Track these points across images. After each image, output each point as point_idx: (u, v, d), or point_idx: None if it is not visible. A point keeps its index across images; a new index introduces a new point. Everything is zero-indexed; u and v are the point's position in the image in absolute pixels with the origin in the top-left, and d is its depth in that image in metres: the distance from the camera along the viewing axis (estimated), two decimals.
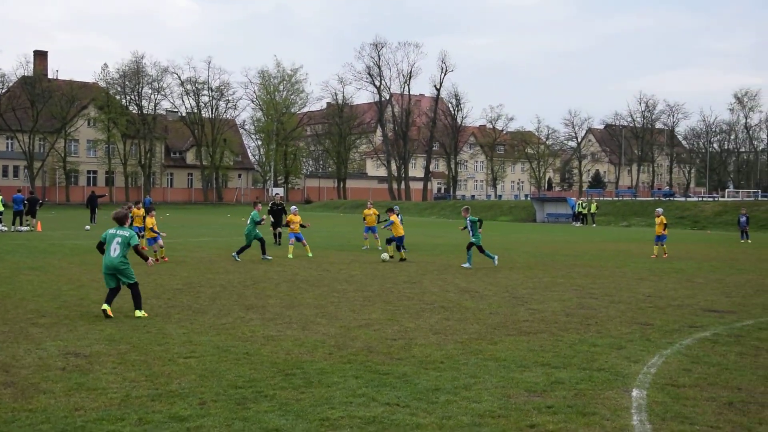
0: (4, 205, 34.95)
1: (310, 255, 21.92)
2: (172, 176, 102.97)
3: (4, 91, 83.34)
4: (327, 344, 9.29)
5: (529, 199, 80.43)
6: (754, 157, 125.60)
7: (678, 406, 6.69)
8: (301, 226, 22.55)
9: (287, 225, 23.17)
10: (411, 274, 17.70)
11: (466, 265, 19.54)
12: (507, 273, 18.26)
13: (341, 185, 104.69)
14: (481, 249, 19.82)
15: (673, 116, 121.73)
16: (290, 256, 21.54)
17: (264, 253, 21.10)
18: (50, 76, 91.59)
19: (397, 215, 22.28)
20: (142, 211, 22.12)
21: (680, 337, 9.99)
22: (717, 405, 6.72)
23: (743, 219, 34.31)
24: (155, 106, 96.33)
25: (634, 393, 7.12)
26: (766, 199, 71.75)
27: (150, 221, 20.59)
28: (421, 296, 13.92)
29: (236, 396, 6.88)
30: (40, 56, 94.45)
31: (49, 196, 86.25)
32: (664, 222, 23.76)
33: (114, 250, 11.25)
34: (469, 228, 20.12)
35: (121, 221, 11.56)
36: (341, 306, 12.54)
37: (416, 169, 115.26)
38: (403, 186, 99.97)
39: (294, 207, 24.06)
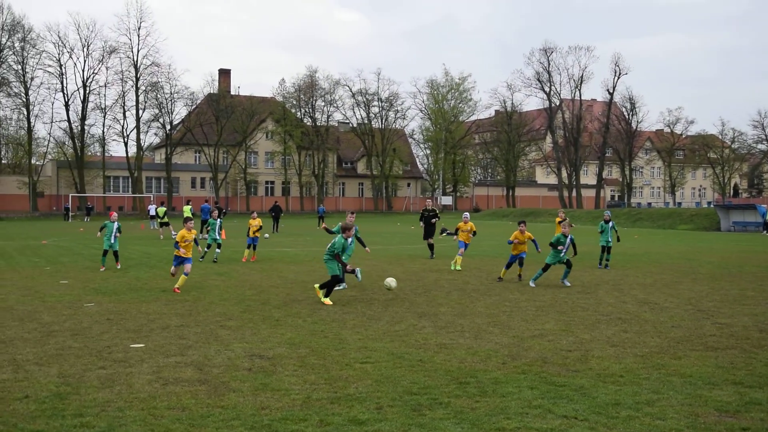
0: (192, 215, 37.67)
1: (248, 261, 22.42)
2: (343, 185, 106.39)
3: (193, 108, 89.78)
4: (500, 354, 9.20)
5: (712, 206, 75.69)
6: None
7: None
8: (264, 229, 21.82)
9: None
10: (585, 284, 17.17)
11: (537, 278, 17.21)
12: (690, 285, 17.26)
13: (510, 193, 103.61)
14: (547, 268, 17.21)
15: None
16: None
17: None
18: (233, 92, 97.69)
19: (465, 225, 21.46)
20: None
21: None
22: None
23: None
24: (328, 118, 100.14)
25: None
26: None
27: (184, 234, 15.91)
28: (597, 307, 13.46)
29: (411, 402, 6.97)
30: (224, 74, 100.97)
31: (232, 206, 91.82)
32: None
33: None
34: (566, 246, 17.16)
35: (344, 230, 14.50)
36: (513, 315, 12.38)
37: (588, 176, 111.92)
38: (574, 194, 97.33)
39: (254, 212, 24.23)
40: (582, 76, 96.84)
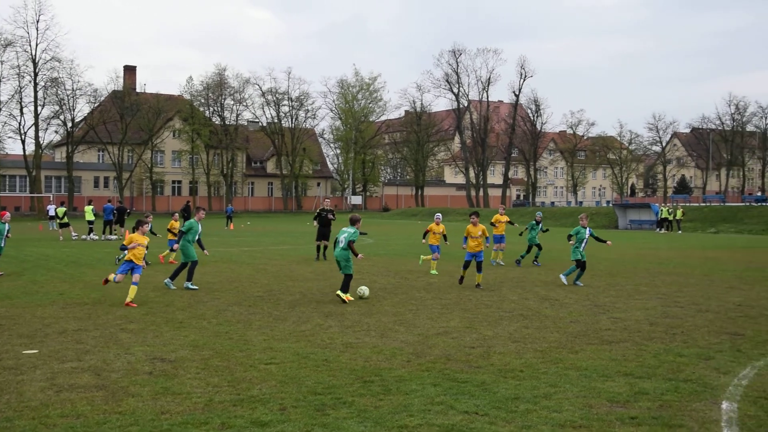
0: (95, 215, 36.45)
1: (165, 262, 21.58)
2: (252, 185, 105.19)
3: (96, 105, 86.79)
4: (405, 352, 9.30)
5: (611, 205, 78.59)
6: None
7: None
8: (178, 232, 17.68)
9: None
10: (489, 282, 17.55)
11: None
12: (588, 281, 17.88)
13: (419, 193, 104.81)
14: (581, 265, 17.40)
15: (766, 118, 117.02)
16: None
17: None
18: (138, 89, 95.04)
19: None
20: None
21: None
22: None
23: None
24: (237, 116, 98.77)
25: (724, 405, 6.86)
26: None
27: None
28: (500, 304, 13.78)
29: (316, 402, 6.96)
30: (130, 71, 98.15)
31: (137, 206, 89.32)
32: None
33: (341, 243, 14.05)
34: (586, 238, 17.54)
35: (354, 222, 14.39)
36: (419, 314, 12.53)
37: (495, 176, 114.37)
38: (481, 193, 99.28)
39: (176, 214, 23.30)
40: (489, 78, 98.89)
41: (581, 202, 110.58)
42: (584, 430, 6.17)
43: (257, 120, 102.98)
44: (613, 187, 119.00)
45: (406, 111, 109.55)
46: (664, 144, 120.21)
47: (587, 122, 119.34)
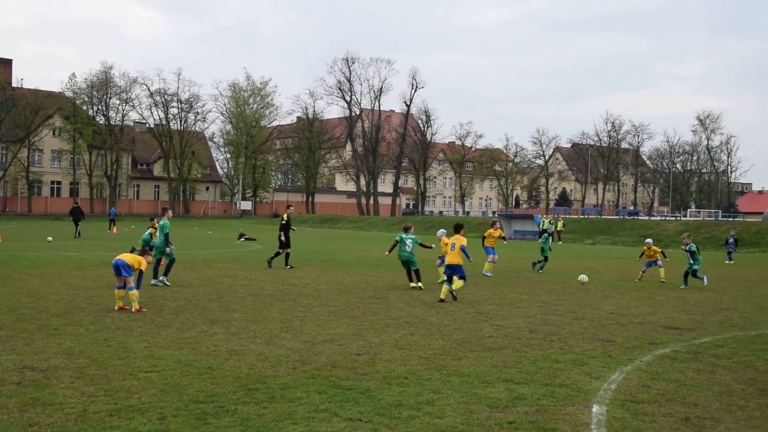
0: None
1: None
2: (138, 188, 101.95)
3: None
4: (291, 359, 9.25)
5: (496, 215, 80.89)
6: (715, 177, 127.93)
7: (636, 421, 6.77)
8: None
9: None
10: (377, 289, 17.70)
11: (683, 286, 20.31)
12: (473, 289, 18.33)
13: (310, 199, 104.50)
14: (694, 273, 20.68)
15: (638, 136, 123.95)
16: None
17: (156, 276, 17.37)
18: (15, 84, 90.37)
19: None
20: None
21: (641, 354, 10.12)
22: (674, 420, 6.82)
23: (731, 240, 34.98)
24: (123, 117, 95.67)
25: (594, 409, 7.19)
26: (726, 219, 72.98)
27: None
28: (387, 311, 13.92)
29: (197, 411, 6.82)
30: (5, 64, 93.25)
31: (11, 207, 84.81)
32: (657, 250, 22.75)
33: (408, 247, 18.18)
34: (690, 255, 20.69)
35: (407, 229, 18.76)
36: (306, 321, 12.49)
37: (385, 185, 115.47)
38: (371, 201, 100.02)
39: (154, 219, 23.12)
40: (382, 88, 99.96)
41: (468, 212, 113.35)
42: None
43: (144, 121, 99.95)
44: (499, 198, 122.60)
45: (298, 117, 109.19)
46: (547, 158, 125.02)
47: (475, 134, 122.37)
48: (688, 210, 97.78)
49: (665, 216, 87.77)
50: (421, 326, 12.20)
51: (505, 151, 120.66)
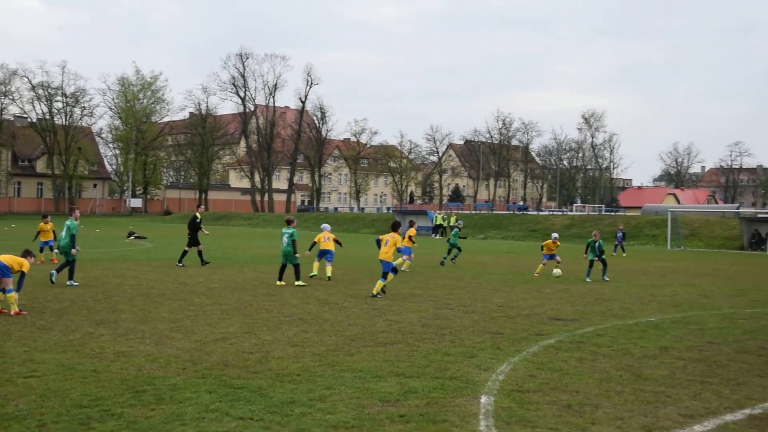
0: None
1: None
2: (19, 185, 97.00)
3: None
4: (181, 359, 9.06)
5: (391, 211, 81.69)
6: (599, 174, 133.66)
7: (522, 410, 7.01)
8: None
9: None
10: (271, 287, 17.57)
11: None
12: (368, 285, 18.46)
13: (203, 196, 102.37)
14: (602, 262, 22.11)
15: (528, 134, 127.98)
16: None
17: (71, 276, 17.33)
18: None
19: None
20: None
21: (527, 345, 10.48)
22: (557, 408, 7.10)
23: (620, 234, 37.14)
24: (1, 110, 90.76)
25: (483, 399, 7.39)
26: (609, 213, 76.43)
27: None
28: (281, 309, 13.84)
29: (80, 416, 6.58)
30: None
31: None
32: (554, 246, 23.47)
33: (284, 242, 18.35)
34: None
35: (289, 223, 18.69)
36: (198, 320, 12.26)
37: (280, 181, 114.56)
38: (266, 198, 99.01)
39: (48, 217, 23.90)
40: (276, 84, 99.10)
41: (363, 209, 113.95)
42: (356, 430, 6.38)
43: (26, 115, 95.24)
44: (394, 194, 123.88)
45: (190, 113, 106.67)
46: (440, 154, 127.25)
47: (370, 131, 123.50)
48: (574, 205, 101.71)
49: (552, 211, 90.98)
50: (314, 323, 12.19)
51: (399, 147, 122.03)
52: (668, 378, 8.46)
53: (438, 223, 57.96)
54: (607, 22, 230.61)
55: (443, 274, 22.23)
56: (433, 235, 57.12)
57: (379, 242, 16.89)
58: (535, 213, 76.74)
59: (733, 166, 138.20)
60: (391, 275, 16.50)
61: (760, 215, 53.76)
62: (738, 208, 76.17)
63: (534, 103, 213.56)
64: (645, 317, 13.63)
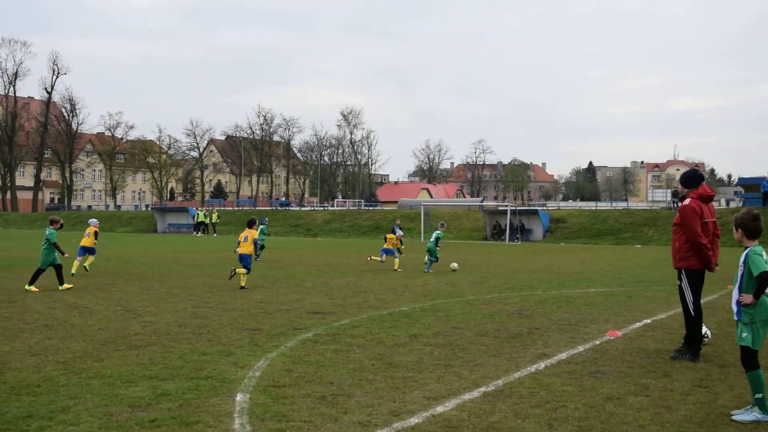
0: None
1: None
2: None
3: None
4: None
5: (150, 209, 78.54)
6: (358, 169, 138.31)
7: (277, 405, 7.06)
8: None
9: None
10: (11, 292, 16.15)
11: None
12: (122, 286, 17.61)
13: None
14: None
15: (289, 130, 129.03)
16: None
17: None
18: None
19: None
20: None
21: (285, 340, 10.57)
22: (312, 400, 7.25)
23: (398, 227, 39.30)
24: None
25: (238, 397, 7.34)
26: (368, 208, 79.46)
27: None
28: (22, 315, 12.75)
29: None
30: None
31: None
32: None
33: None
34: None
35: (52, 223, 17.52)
36: None
37: (25, 178, 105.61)
38: (8, 196, 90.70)
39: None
40: (17, 72, 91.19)
41: (120, 206, 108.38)
42: None
43: None
44: (153, 191, 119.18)
45: None
46: (201, 150, 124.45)
47: (126, 125, 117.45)
48: (335, 200, 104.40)
49: (314, 206, 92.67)
50: (60, 329, 11.39)
51: (158, 142, 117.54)
52: (416, 364, 8.97)
53: (200, 220, 56.66)
54: (361, 21, 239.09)
55: (203, 273, 21.77)
56: (195, 233, 55.74)
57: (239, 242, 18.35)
58: (298, 209, 77.72)
59: (478, 162, 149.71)
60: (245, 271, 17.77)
61: (500, 208, 58.79)
62: (482, 201, 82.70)
63: (295, 100, 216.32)
64: (398, 307, 14.33)
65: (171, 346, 10.06)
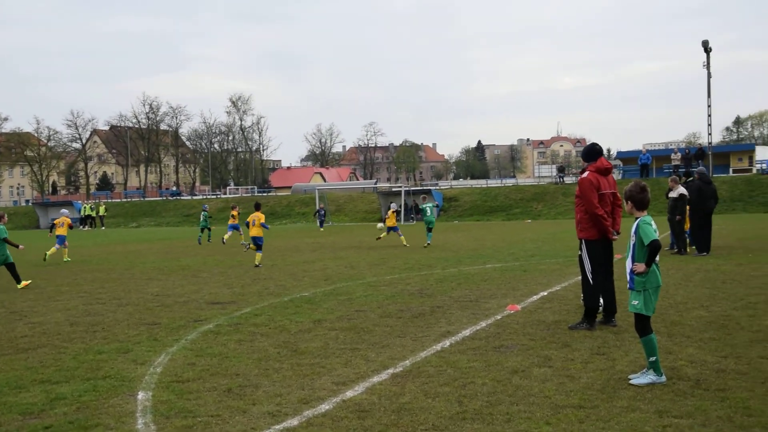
0: None
1: None
2: None
3: None
4: None
5: (31, 204, 74.72)
6: (249, 156, 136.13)
7: (182, 401, 6.81)
8: None
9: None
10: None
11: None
12: (3, 285, 16.65)
13: None
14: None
15: (177, 118, 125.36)
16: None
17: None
18: None
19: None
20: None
21: (186, 333, 10.25)
22: (218, 393, 7.04)
23: (322, 212, 42.62)
24: None
25: (140, 396, 7.05)
26: (261, 194, 78.44)
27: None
28: None
29: None
30: None
31: None
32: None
33: None
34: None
35: None
36: None
37: None
38: None
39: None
40: None
41: None
42: None
43: None
44: (33, 185, 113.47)
45: None
46: (84, 141, 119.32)
47: (0, 117, 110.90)
48: (228, 188, 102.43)
49: (206, 195, 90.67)
50: None
51: (36, 134, 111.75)
52: (322, 349, 8.88)
53: (87, 213, 54.43)
54: (245, 8, 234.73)
55: (93, 268, 20.88)
56: (83, 227, 53.51)
57: (248, 224, 20.10)
58: (189, 197, 75.79)
59: (369, 145, 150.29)
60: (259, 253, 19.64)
61: (394, 189, 59.25)
62: (375, 183, 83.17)
63: (182, 88, 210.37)
64: (299, 293, 14.18)
65: (63, 346, 9.57)
